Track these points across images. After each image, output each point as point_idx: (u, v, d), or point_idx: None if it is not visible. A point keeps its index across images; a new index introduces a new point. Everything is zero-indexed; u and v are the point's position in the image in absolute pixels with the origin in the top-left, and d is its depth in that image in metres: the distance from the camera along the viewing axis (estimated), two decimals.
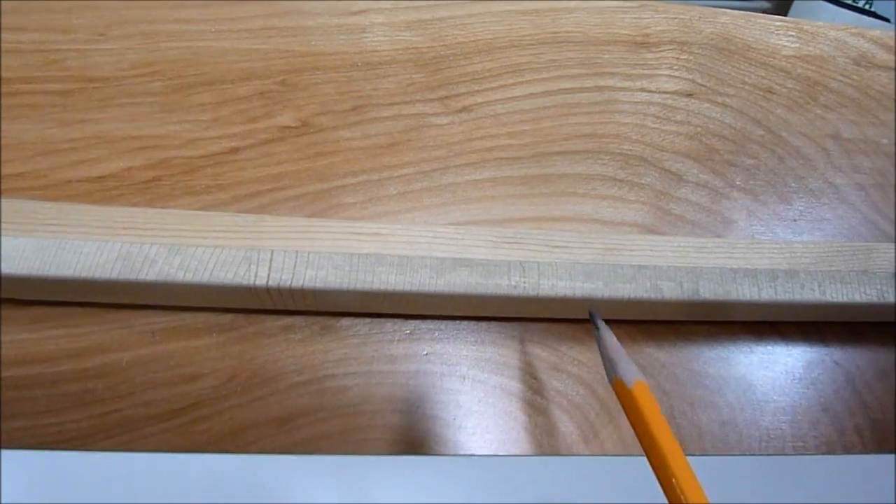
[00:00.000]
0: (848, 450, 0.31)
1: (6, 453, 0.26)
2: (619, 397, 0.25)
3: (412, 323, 0.30)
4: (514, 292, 0.27)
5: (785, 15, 1.18)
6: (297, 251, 0.26)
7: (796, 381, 0.32)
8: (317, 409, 0.28)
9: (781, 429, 0.31)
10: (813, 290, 0.29)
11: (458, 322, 0.30)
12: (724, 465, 0.34)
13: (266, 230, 0.26)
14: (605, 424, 0.30)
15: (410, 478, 0.28)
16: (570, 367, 0.30)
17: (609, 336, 0.26)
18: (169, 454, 0.28)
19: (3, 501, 0.26)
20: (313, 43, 0.34)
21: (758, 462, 0.32)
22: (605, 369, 0.26)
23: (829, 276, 0.29)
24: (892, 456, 0.32)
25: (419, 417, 0.29)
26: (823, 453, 0.31)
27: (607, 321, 0.31)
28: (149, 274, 0.25)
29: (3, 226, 0.25)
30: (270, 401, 0.28)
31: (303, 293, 0.26)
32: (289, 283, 0.25)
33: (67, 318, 0.28)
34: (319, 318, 0.29)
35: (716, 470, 0.33)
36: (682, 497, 0.21)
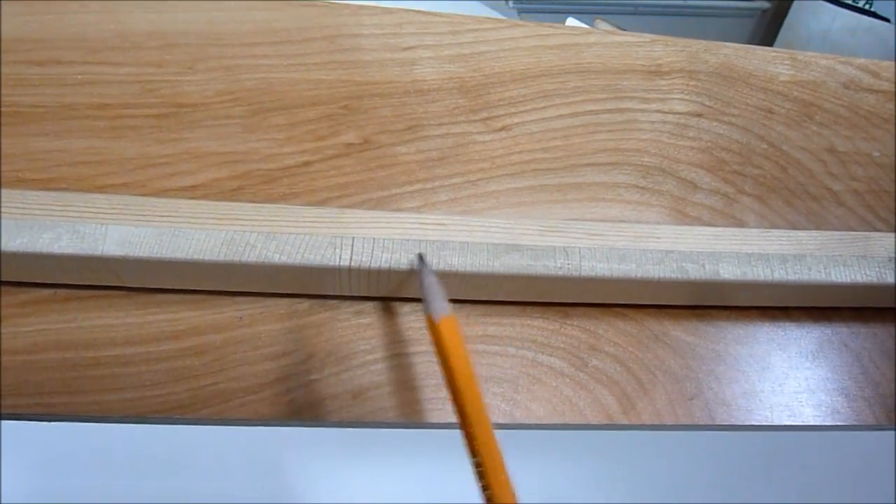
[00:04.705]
0: (861, 421, 0.35)
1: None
2: (429, 332, 0.28)
3: (466, 308, 0.34)
4: (560, 272, 0.31)
5: (785, 15, 1.20)
6: (374, 238, 0.30)
7: (809, 360, 0.35)
8: (386, 384, 0.32)
9: (800, 401, 0.34)
10: (819, 272, 0.33)
11: (506, 307, 0.34)
12: (748, 437, 0.37)
13: (347, 221, 0.30)
14: (641, 397, 0.33)
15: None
16: (606, 347, 0.34)
17: (429, 276, 0.29)
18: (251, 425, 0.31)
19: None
20: (371, 74, 0.39)
21: (778, 435, 0.35)
22: (424, 309, 0.29)
23: (832, 259, 0.33)
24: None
25: None
26: (839, 424, 0.34)
27: (640, 306, 0.35)
28: (249, 256, 0.29)
29: (124, 217, 0.29)
30: (345, 376, 0.32)
31: (378, 274, 0.30)
32: (368, 264, 0.29)
33: (167, 305, 0.32)
34: (386, 304, 0.33)
35: (741, 441, 0.36)
36: (470, 428, 0.26)
